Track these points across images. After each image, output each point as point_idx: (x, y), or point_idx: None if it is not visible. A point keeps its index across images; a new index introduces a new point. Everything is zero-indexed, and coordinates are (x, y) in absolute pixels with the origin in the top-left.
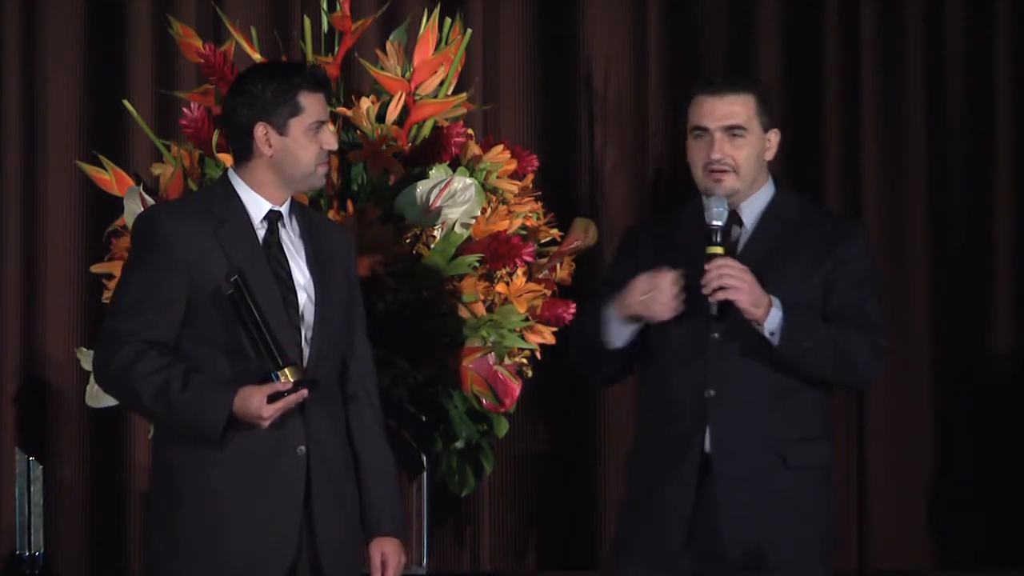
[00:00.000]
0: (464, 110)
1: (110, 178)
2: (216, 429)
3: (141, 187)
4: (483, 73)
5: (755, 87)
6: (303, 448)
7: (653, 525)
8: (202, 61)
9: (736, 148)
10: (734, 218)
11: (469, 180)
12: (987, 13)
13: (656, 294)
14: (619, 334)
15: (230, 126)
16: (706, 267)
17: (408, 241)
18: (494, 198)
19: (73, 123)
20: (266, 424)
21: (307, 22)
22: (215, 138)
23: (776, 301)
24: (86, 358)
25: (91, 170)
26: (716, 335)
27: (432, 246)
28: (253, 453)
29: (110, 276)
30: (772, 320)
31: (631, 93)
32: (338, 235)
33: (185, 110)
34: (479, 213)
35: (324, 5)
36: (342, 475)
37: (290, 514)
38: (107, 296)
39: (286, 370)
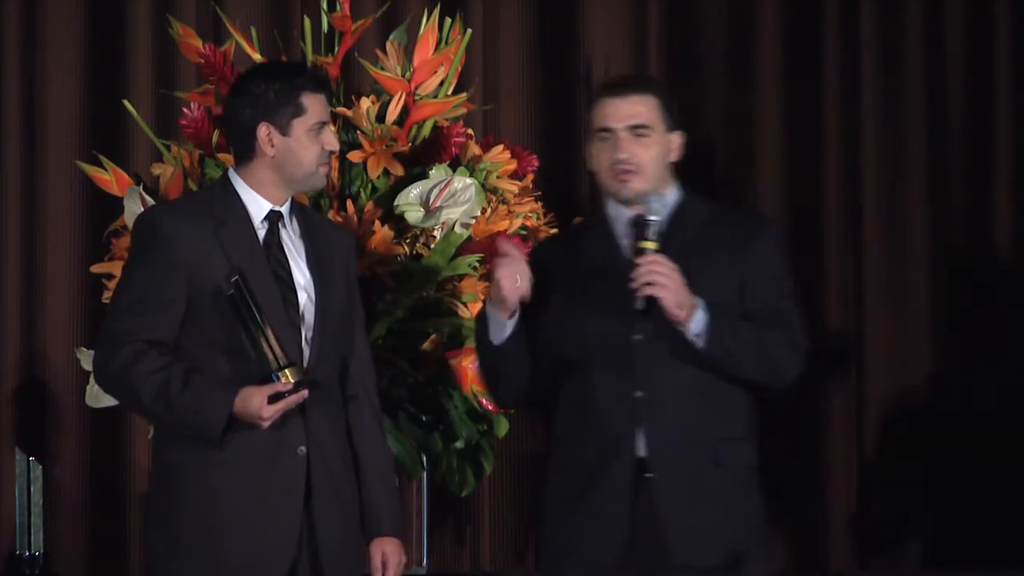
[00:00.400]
0: (464, 110)
1: (110, 178)
2: (216, 429)
3: (141, 187)
4: (483, 73)
5: (657, 89)
6: (303, 448)
7: (592, 534)
8: (202, 61)
9: (641, 148)
10: (639, 222)
11: (469, 180)
12: (987, 13)
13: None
14: (498, 327)
15: (231, 126)
16: (637, 260)
17: (408, 241)
18: (494, 198)
19: (73, 123)
20: (266, 424)
21: (307, 22)
22: (215, 138)
23: (701, 303)
24: (86, 358)
25: (91, 170)
26: (639, 336)
27: (432, 246)
28: (253, 453)
29: (110, 276)
30: (697, 322)
31: None
32: (338, 235)
33: (185, 110)
34: (479, 213)
35: (324, 5)
36: (342, 475)
37: (290, 514)
38: (107, 296)
39: (286, 370)
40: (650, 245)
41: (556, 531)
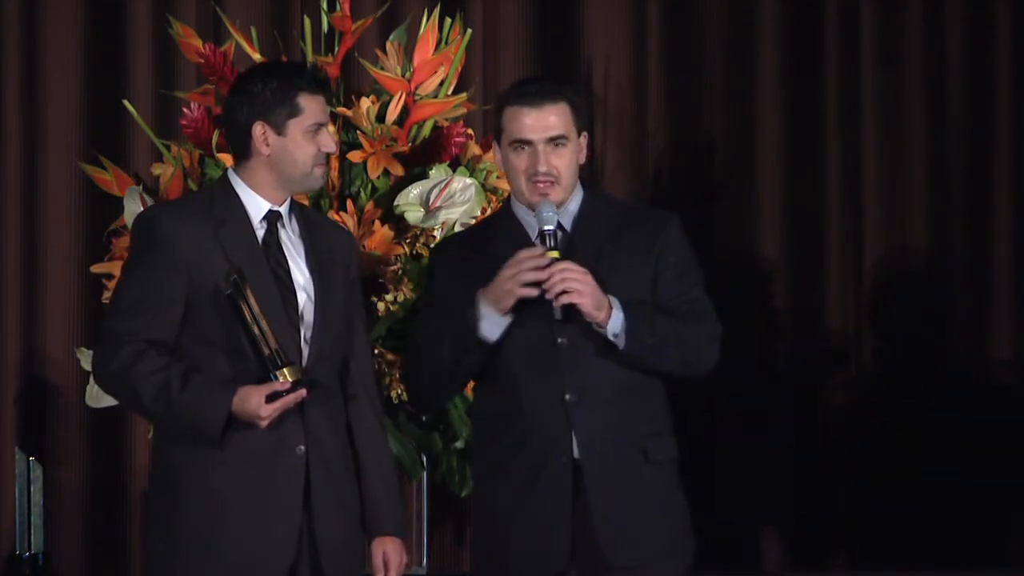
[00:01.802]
0: (464, 110)
1: (110, 178)
2: (215, 429)
3: (141, 187)
4: (483, 73)
5: (566, 94)
6: (303, 448)
7: (533, 540)
8: (202, 61)
9: (558, 158)
10: (559, 227)
11: (469, 180)
12: (987, 13)
13: (522, 276)
14: (494, 326)
15: (229, 125)
16: (547, 272)
17: (408, 241)
18: (494, 198)
19: (73, 123)
20: (264, 424)
21: (307, 22)
22: (215, 138)
23: (616, 302)
24: (86, 358)
25: (91, 170)
26: (562, 340)
27: (432, 246)
28: (253, 453)
29: (110, 276)
30: (615, 322)
31: (631, 93)
32: (338, 235)
33: (185, 110)
34: (479, 213)
35: (324, 5)
36: (342, 475)
37: (290, 514)
38: (107, 296)
39: (285, 370)
40: (554, 254)
41: (495, 543)
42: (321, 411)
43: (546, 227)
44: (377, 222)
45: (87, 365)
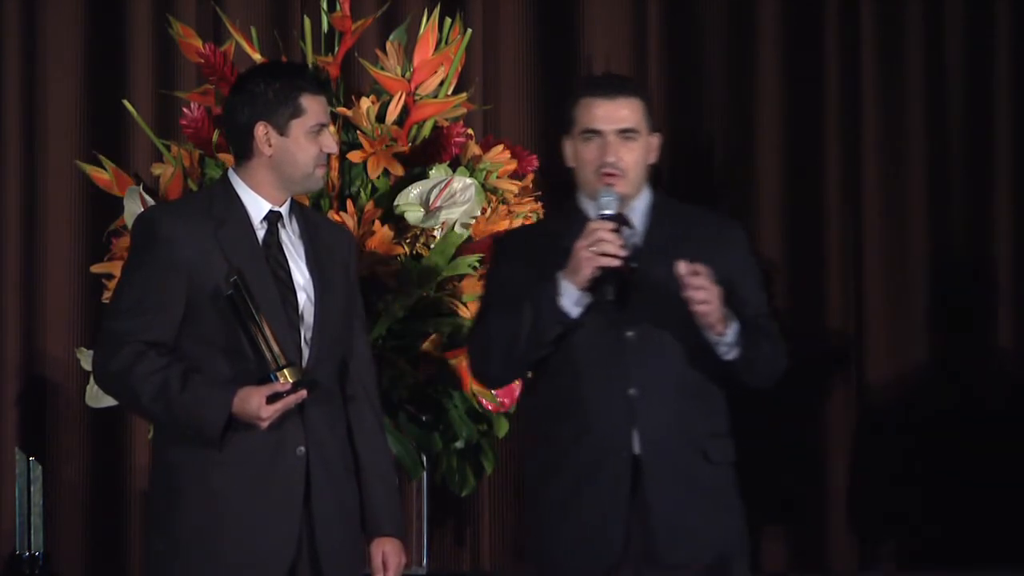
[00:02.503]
0: (464, 110)
1: (110, 178)
2: (215, 430)
3: (141, 187)
4: (483, 73)
5: (641, 91)
6: (303, 448)
7: (587, 534)
8: (202, 61)
9: (628, 152)
10: (623, 221)
11: (469, 180)
12: (987, 13)
13: (601, 246)
14: (573, 301)
15: (230, 125)
16: (686, 280)
17: (408, 241)
18: (494, 198)
19: (73, 123)
20: (265, 425)
21: (307, 22)
22: (215, 138)
23: (731, 313)
24: (86, 358)
25: (91, 170)
26: (631, 333)
27: (432, 246)
28: (253, 454)
29: (110, 276)
30: (732, 333)
31: None
32: (338, 235)
33: (185, 110)
34: (479, 213)
35: (324, 5)
36: (342, 475)
37: (290, 514)
38: (107, 296)
39: (285, 371)
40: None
41: (549, 536)
42: (321, 412)
43: (604, 211)
44: (377, 222)
45: (87, 365)
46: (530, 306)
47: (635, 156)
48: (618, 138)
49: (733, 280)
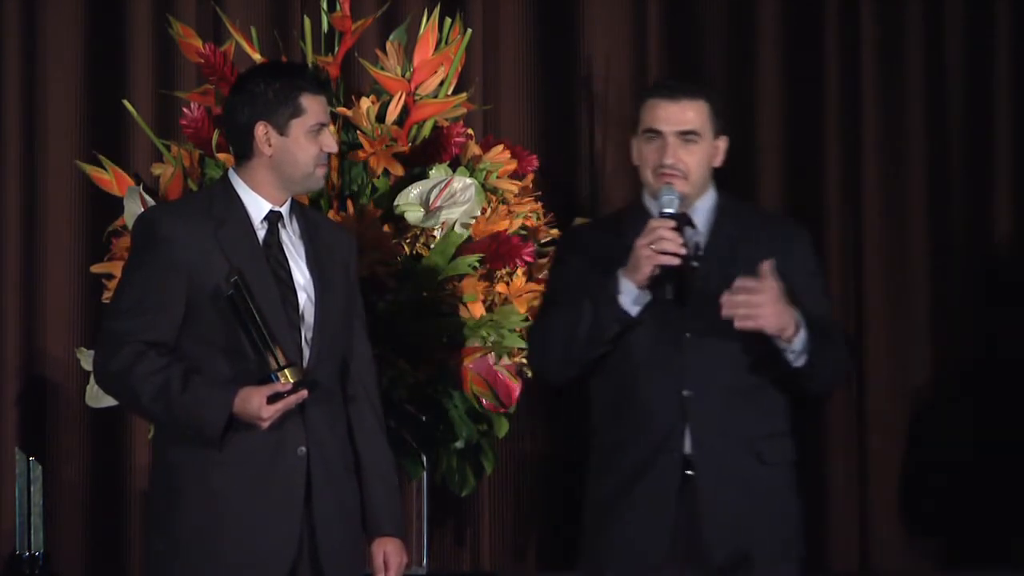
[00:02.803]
0: (464, 110)
1: (110, 178)
2: (216, 430)
3: (141, 187)
4: (483, 73)
5: (709, 93)
6: (303, 448)
7: (637, 532)
8: (202, 61)
9: (688, 154)
10: (686, 220)
11: (469, 180)
12: (987, 13)
13: (661, 244)
14: (633, 300)
15: (230, 125)
16: (731, 294)
17: (408, 241)
18: (494, 198)
19: (73, 123)
20: (265, 425)
21: (307, 22)
22: (215, 138)
23: (802, 320)
24: (86, 358)
25: (91, 170)
26: (689, 334)
27: (432, 246)
28: (253, 454)
29: (110, 276)
30: (800, 340)
31: (631, 93)
32: (339, 235)
33: (185, 110)
34: (479, 213)
35: (324, 5)
36: (343, 475)
37: (290, 514)
38: (107, 296)
39: (286, 371)
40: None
41: (598, 534)
42: (321, 412)
43: (666, 209)
44: (377, 222)
45: (87, 365)
46: (591, 304)
47: (696, 158)
48: (678, 140)
49: (796, 282)
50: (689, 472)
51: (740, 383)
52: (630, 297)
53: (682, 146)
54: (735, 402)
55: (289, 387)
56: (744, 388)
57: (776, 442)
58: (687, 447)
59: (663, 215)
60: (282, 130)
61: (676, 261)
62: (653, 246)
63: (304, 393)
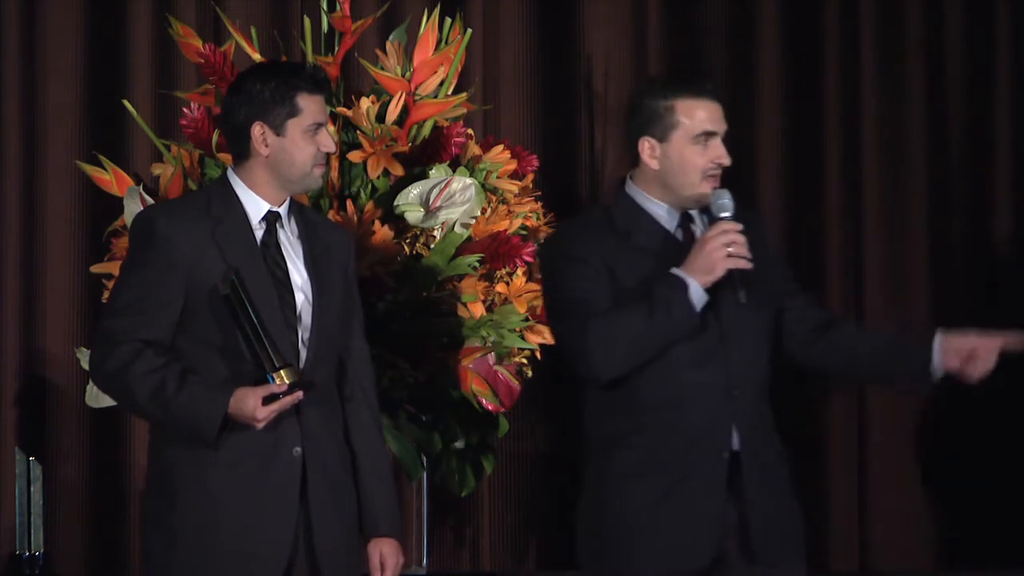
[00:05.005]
0: (464, 110)
1: (110, 178)
2: (212, 430)
3: (141, 187)
4: (483, 73)
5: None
6: (299, 449)
7: (685, 532)
8: (202, 61)
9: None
10: (688, 219)
11: (469, 180)
12: (987, 13)
13: (736, 248)
14: (701, 301)
15: (228, 125)
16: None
17: (408, 241)
18: (494, 198)
19: (73, 123)
20: (260, 426)
21: (307, 22)
22: (215, 138)
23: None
24: (86, 358)
25: (91, 170)
26: (731, 332)
27: (432, 246)
28: (249, 454)
29: (110, 276)
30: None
31: (631, 93)
32: (337, 235)
33: (185, 110)
34: (479, 213)
35: (324, 5)
36: (339, 476)
37: (286, 515)
38: (107, 296)
39: (282, 372)
40: None
41: (641, 537)
42: (318, 412)
43: (724, 212)
44: (377, 222)
45: (87, 365)
46: (663, 305)
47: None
48: (720, 140)
49: (776, 267)
50: (735, 469)
51: (764, 379)
52: (696, 297)
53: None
54: (763, 400)
55: (285, 388)
56: (765, 384)
57: (779, 440)
58: (735, 445)
59: (722, 219)
60: (279, 130)
61: (748, 264)
62: (730, 250)
63: (300, 394)
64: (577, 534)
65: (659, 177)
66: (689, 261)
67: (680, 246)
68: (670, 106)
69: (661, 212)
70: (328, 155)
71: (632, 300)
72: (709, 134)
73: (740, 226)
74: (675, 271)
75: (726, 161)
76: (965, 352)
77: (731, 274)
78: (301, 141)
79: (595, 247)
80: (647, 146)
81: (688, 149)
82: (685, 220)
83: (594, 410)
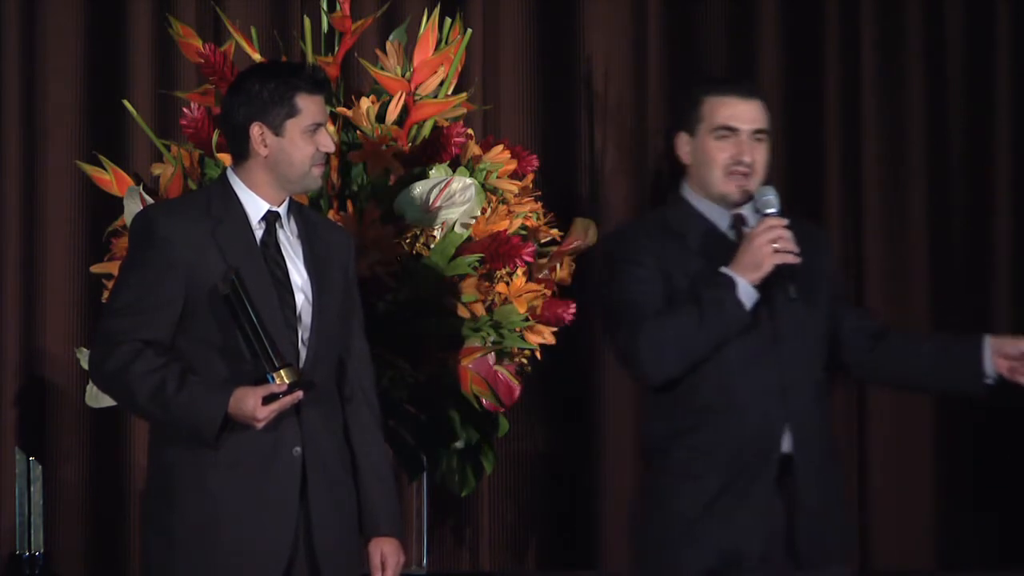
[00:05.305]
0: (464, 110)
1: (110, 178)
2: (212, 430)
3: (141, 187)
4: (483, 73)
5: (764, 94)
6: (299, 449)
7: (735, 534)
8: (202, 61)
9: (759, 152)
10: (740, 221)
11: (469, 180)
12: (987, 13)
13: (782, 243)
14: (750, 298)
15: (227, 125)
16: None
17: (408, 241)
18: (494, 198)
19: (73, 123)
20: (260, 425)
21: (307, 22)
22: (215, 138)
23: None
24: (86, 358)
25: (91, 170)
26: (784, 333)
27: (432, 246)
28: (249, 454)
29: (110, 276)
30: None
31: (631, 93)
32: (336, 235)
33: (185, 110)
34: (479, 213)
35: (324, 5)
36: (339, 476)
37: (286, 515)
38: (107, 296)
39: (282, 371)
40: None
41: (689, 538)
42: (318, 412)
43: (769, 209)
44: (377, 222)
45: (87, 365)
46: (712, 304)
47: (764, 156)
48: (751, 138)
49: (835, 283)
50: (786, 471)
51: (819, 380)
52: (745, 295)
53: (755, 144)
54: (817, 400)
55: (285, 388)
56: (821, 385)
57: (833, 442)
58: (787, 446)
59: (768, 215)
60: (277, 130)
61: (796, 259)
62: (776, 245)
63: (299, 394)
64: (631, 530)
65: (694, 173)
66: (736, 259)
67: (733, 247)
68: (699, 101)
69: (711, 212)
70: (327, 155)
71: (683, 301)
72: (729, 129)
73: (786, 221)
74: (724, 270)
75: (746, 158)
76: (1014, 355)
77: (779, 270)
78: (300, 141)
79: (649, 249)
80: (681, 141)
81: (709, 144)
82: (738, 221)
83: (653, 409)
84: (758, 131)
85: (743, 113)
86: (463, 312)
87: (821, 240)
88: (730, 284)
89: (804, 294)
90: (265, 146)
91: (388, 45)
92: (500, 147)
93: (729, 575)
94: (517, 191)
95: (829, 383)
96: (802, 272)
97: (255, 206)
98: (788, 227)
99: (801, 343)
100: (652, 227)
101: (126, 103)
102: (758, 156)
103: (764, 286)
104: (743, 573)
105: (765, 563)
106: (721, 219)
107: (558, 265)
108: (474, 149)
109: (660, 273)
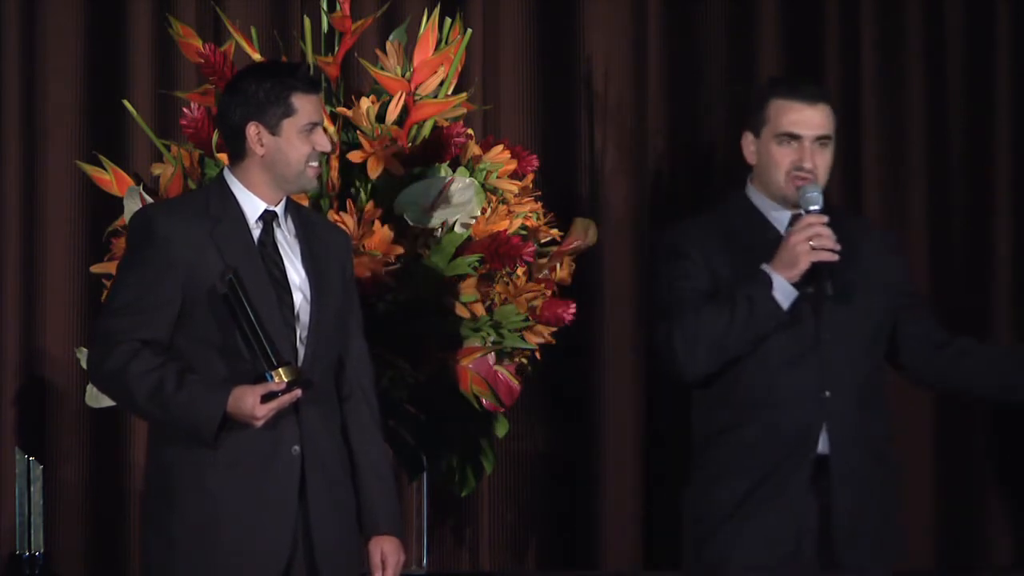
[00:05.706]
0: (464, 110)
1: (110, 178)
2: (211, 429)
3: (141, 187)
4: (483, 73)
5: (831, 97)
6: (297, 448)
7: (767, 532)
8: (202, 61)
9: (821, 157)
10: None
11: (469, 180)
12: (987, 13)
13: (820, 240)
14: (785, 295)
15: (224, 125)
16: None
17: (408, 241)
18: (494, 198)
19: (73, 123)
20: (259, 424)
21: (307, 22)
22: (215, 138)
23: None
24: (86, 358)
25: (91, 170)
26: (827, 335)
27: (432, 246)
28: (248, 453)
29: (110, 276)
30: None
31: (631, 93)
32: (334, 234)
33: (185, 110)
34: (479, 213)
35: (324, 5)
36: (338, 475)
37: (285, 514)
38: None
39: (280, 370)
40: None
41: (723, 534)
42: (316, 411)
43: (812, 207)
44: (377, 222)
45: (87, 365)
46: (746, 301)
47: (827, 162)
48: (814, 144)
49: (907, 290)
50: (822, 472)
51: (867, 383)
52: (782, 293)
53: (817, 150)
54: (862, 403)
55: (283, 386)
56: (869, 389)
57: (886, 444)
58: (822, 447)
59: (809, 212)
60: (274, 130)
61: (834, 257)
62: (812, 242)
63: (298, 392)
64: (682, 526)
65: (758, 173)
66: (776, 256)
67: None
68: (765, 103)
69: (772, 212)
70: (324, 154)
71: (722, 298)
72: (792, 136)
73: (825, 218)
74: (762, 267)
75: (807, 164)
76: None
77: (818, 267)
78: (296, 141)
79: (699, 244)
80: (747, 141)
81: (773, 148)
82: (796, 220)
83: (697, 406)
84: (821, 137)
85: (807, 119)
86: (463, 312)
87: (887, 242)
88: (766, 281)
89: (847, 293)
90: (261, 145)
91: (388, 45)
92: (500, 147)
93: (760, 572)
94: (517, 191)
95: (880, 385)
96: (843, 271)
97: (252, 205)
98: (831, 225)
99: (845, 344)
100: (706, 223)
101: (126, 103)
102: (820, 162)
103: (810, 285)
104: (774, 570)
105: (796, 561)
106: (781, 219)
107: (558, 265)
108: (474, 149)
109: (706, 268)
